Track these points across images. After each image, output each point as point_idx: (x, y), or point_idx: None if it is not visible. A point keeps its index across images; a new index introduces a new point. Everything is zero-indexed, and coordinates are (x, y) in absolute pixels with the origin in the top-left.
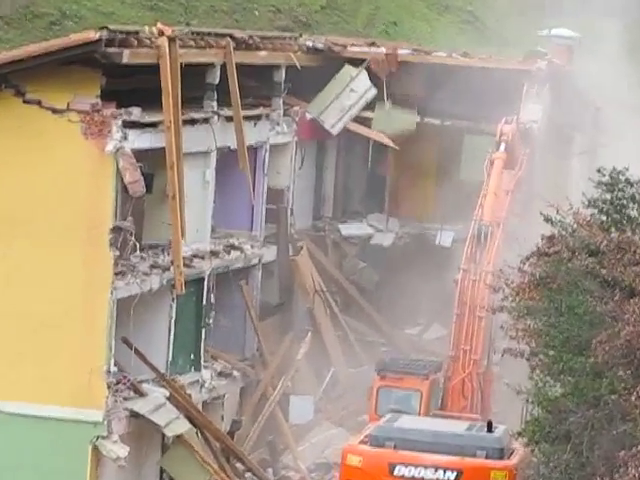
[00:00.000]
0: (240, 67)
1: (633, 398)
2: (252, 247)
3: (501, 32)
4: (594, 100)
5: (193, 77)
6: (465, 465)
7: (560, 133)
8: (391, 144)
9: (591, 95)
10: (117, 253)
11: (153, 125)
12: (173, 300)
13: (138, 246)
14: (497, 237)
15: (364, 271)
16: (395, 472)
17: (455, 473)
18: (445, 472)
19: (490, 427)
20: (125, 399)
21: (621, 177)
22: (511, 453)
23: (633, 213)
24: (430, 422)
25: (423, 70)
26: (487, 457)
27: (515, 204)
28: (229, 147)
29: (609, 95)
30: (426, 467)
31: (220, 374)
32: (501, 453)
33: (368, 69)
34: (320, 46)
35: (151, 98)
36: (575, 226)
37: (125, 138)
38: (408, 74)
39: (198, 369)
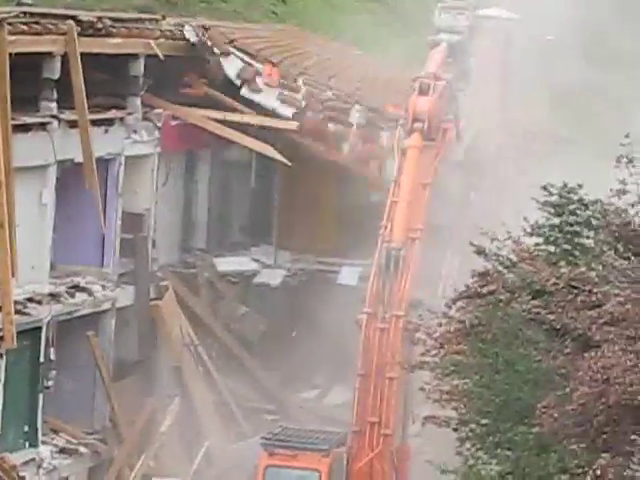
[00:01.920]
0: (87, 58)
1: (589, 478)
2: (103, 288)
3: (416, 11)
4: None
5: (26, 71)
6: None
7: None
8: (280, 158)
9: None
10: None
11: None
12: (1, 356)
13: None
14: (412, 263)
15: (247, 318)
16: None
17: None
18: None
19: None
20: None
21: (573, 196)
22: None
23: (588, 242)
24: None
25: None
26: None
27: (435, 207)
28: (72, 160)
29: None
30: None
31: (63, 451)
32: None
33: None
34: (192, 37)
35: None
36: (515, 259)
37: None
38: None
39: (34, 445)
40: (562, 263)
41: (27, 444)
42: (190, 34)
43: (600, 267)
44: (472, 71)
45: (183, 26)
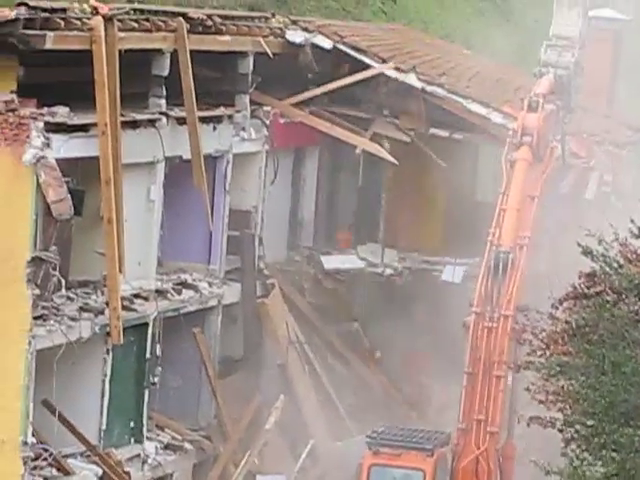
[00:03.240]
0: (196, 55)
1: None
2: (209, 285)
3: (528, 12)
4: None
5: (136, 68)
6: None
7: None
8: (389, 158)
9: None
10: (37, 292)
11: (84, 129)
12: (108, 352)
13: (64, 283)
14: (520, 266)
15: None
16: None
17: None
18: None
19: None
20: (46, 479)
21: None
22: None
23: None
24: None
25: None
26: None
27: (543, 218)
28: (181, 157)
29: None
30: None
31: (168, 447)
32: None
33: None
34: (298, 40)
35: (81, 94)
36: (622, 261)
37: (48, 145)
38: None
39: (140, 441)
40: None
41: (132, 440)
42: (293, 37)
43: None
44: (576, 108)
45: (294, 22)
